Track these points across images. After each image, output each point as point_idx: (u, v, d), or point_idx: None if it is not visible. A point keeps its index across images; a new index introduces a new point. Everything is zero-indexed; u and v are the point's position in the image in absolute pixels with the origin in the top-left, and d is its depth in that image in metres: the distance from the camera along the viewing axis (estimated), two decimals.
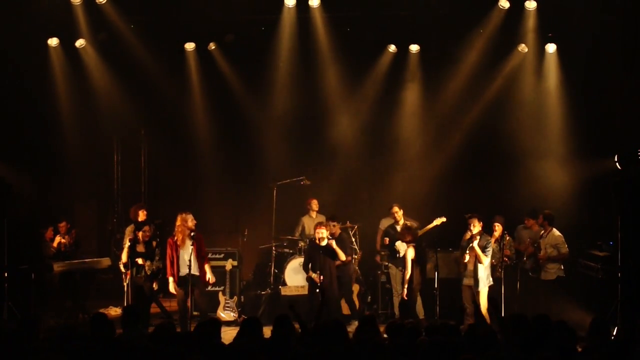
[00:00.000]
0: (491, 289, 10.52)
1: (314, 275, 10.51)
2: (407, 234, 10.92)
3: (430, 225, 11.22)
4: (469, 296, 10.65)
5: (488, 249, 10.45)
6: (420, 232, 11.21)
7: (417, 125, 13.60)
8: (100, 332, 6.43)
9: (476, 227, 10.53)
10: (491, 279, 10.56)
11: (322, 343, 6.04)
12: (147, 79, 12.98)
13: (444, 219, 11.17)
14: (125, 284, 10.54)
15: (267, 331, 6.74)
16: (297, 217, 12.76)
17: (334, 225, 11.20)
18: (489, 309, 10.21)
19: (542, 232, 11.27)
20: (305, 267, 10.89)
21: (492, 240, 10.65)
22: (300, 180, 12.75)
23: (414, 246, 10.85)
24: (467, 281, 10.69)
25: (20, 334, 6.29)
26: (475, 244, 10.45)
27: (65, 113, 13.00)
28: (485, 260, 10.44)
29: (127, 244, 10.69)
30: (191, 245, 10.09)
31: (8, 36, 11.69)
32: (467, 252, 10.58)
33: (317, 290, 10.24)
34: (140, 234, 10.81)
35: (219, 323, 6.87)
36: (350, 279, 11.30)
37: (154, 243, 10.96)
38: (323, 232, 10.69)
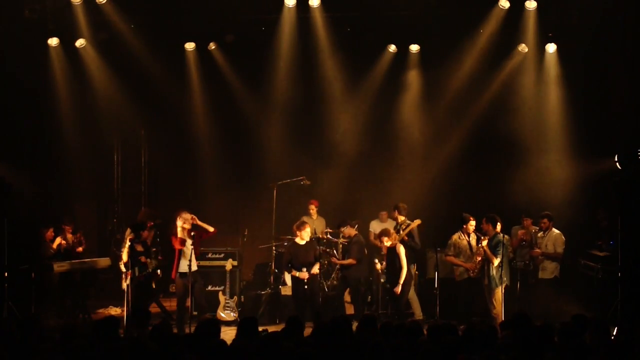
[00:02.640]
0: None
1: (298, 274, 10.51)
2: (385, 236, 10.95)
3: (408, 228, 11.29)
4: (487, 296, 10.70)
5: (498, 249, 10.46)
6: (400, 235, 11.28)
7: (417, 124, 13.60)
8: (108, 335, 6.44)
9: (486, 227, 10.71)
10: (505, 278, 10.57)
11: (326, 340, 6.04)
12: (147, 78, 12.98)
13: (419, 221, 11.32)
14: (126, 284, 10.56)
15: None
16: (298, 217, 12.81)
17: (350, 227, 11.45)
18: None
19: (541, 232, 11.29)
20: (286, 266, 10.83)
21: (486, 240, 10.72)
22: (300, 180, 12.75)
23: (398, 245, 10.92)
24: (485, 280, 10.75)
25: (21, 334, 6.29)
26: (484, 242, 10.51)
27: (65, 113, 13.00)
28: (496, 260, 10.47)
29: (127, 244, 10.72)
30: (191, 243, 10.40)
31: (8, 36, 11.69)
32: (477, 252, 10.71)
33: (305, 287, 10.43)
34: (145, 233, 10.95)
35: (219, 323, 6.87)
36: (356, 280, 11.32)
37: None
38: (308, 232, 10.77)
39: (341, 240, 12.09)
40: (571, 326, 6.49)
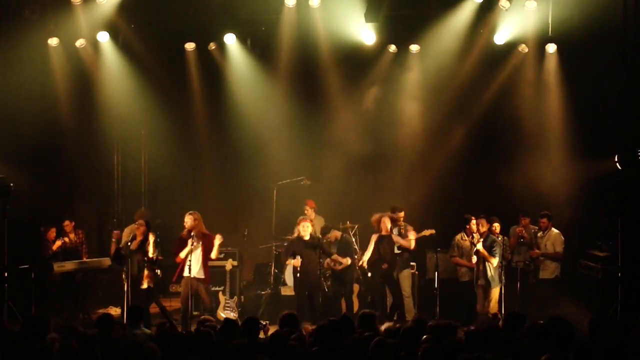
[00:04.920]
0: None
1: (292, 261, 10.66)
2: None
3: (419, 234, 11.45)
4: (482, 296, 10.70)
5: (495, 249, 10.47)
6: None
7: (417, 125, 13.60)
8: (107, 333, 6.45)
9: (484, 227, 10.67)
10: (503, 278, 10.58)
11: (327, 340, 6.04)
12: (147, 78, 12.98)
13: (433, 231, 11.40)
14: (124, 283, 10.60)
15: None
16: (297, 217, 12.82)
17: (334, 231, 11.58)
18: None
19: (540, 232, 11.30)
20: (288, 255, 10.98)
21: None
22: (300, 180, 12.76)
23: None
24: (480, 281, 10.76)
25: (26, 334, 6.29)
26: (479, 245, 10.51)
27: (65, 113, 12.99)
28: (494, 261, 10.48)
29: (124, 240, 10.78)
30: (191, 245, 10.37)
31: (9, 36, 11.69)
32: (473, 254, 10.70)
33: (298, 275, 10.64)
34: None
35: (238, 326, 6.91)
36: (352, 279, 11.34)
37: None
38: (308, 226, 10.86)
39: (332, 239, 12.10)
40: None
